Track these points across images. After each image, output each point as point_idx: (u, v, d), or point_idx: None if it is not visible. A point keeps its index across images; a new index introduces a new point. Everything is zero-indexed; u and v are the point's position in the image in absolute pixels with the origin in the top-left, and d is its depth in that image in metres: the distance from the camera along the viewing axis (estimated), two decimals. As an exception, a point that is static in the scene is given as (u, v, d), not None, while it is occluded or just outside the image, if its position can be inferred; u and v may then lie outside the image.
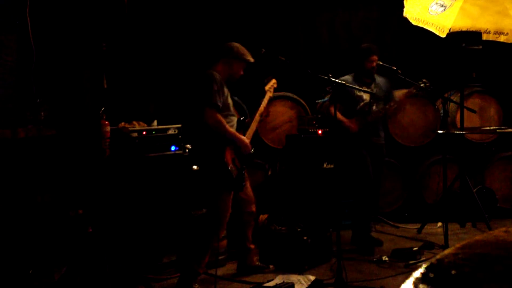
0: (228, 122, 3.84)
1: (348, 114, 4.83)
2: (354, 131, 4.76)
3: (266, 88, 4.28)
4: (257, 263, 4.33)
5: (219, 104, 3.77)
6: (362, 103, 4.83)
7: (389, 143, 5.37)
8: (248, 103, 5.63)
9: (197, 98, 3.82)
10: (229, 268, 4.49)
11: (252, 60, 4.04)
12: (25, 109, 4.15)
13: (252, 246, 4.31)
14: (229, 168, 3.80)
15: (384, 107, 4.84)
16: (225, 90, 3.90)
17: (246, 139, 3.94)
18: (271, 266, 4.33)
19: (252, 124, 4.13)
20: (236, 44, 4.05)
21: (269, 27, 6.34)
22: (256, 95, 5.82)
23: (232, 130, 3.86)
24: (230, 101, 3.97)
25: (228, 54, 3.99)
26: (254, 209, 4.25)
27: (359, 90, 4.68)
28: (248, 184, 4.19)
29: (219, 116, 3.75)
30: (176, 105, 5.29)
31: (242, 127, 4.05)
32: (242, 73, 4.06)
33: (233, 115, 3.99)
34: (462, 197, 5.45)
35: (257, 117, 4.16)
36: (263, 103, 4.21)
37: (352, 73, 4.88)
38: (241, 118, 4.10)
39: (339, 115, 4.69)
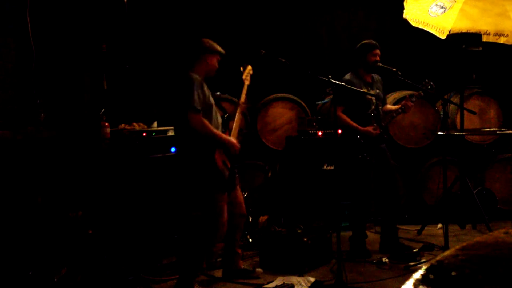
0: (213, 123, 3.78)
1: (357, 117, 4.61)
2: (376, 135, 4.57)
3: (243, 77, 4.16)
4: (242, 266, 4.23)
5: (199, 107, 3.68)
6: (373, 106, 4.65)
7: (389, 144, 5.36)
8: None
9: (179, 103, 3.74)
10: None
11: (223, 51, 3.99)
12: (25, 110, 4.15)
13: (239, 251, 4.23)
14: (220, 169, 3.75)
15: (396, 111, 4.70)
16: (206, 90, 3.82)
17: (232, 139, 3.88)
18: (258, 270, 4.22)
19: (235, 119, 4.02)
20: (205, 39, 4.00)
21: (269, 28, 6.35)
22: (256, 97, 5.84)
23: (218, 131, 3.79)
24: (212, 100, 3.87)
25: (201, 51, 3.92)
26: (245, 211, 4.18)
27: (367, 92, 4.56)
28: (238, 187, 4.11)
29: (203, 119, 3.67)
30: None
31: (227, 125, 3.99)
32: (217, 66, 3.99)
33: (217, 115, 3.92)
34: (462, 199, 5.44)
35: (238, 112, 4.06)
36: (242, 94, 4.12)
37: (350, 72, 4.70)
38: (225, 116, 4.01)
39: (351, 122, 4.55)
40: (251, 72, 4.22)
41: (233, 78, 4.33)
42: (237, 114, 4.07)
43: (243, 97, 4.13)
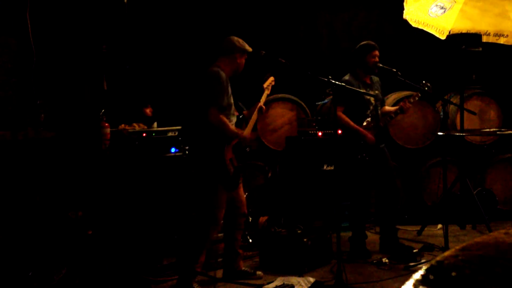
0: (229, 122, 3.88)
1: (357, 117, 4.61)
2: (372, 142, 4.57)
3: (265, 85, 4.28)
4: (243, 268, 4.24)
5: (224, 104, 3.81)
6: (371, 107, 4.66)
7: (389, 145, 5.36)
8: (247, 105, 5.63)
9: (202, 96, 3.84)
10: (229, 270, 4.47)
11: (250, 49, 4.11)
12: (25, 110, 4.15)
13: (241, 251, 4.24)
14: (227, 166, 3.83)
15: (394, 112, 4.67)
16: (229, 89, 3.94)
17: (246, 133, 4.01)
18: (258, 273, 4.22)
19: (249, 122, 4.12)
20: (235, 38, 4.10)
21: (269, 28, 6.35)
22: (256, 97, 5.83)
23: (233, 128, 3.92)
24: (231, 100, 3.99)
25: (233, 49, 4.02)
26: (246, 211, 4.22)
27: (366, 93, 4.56)
28: (241, 186, 4.15)
29: (222, 116, 3.80)
30: (176, 107, 5.30)
31: (240, 126, 4.08)
32: (244, 64, 4.11)
33: (233, 115, 4.02)
34: (462, 199, 5.44)
35: (254, 115, 4.15)
36: (261, 100, 4.21)
37: (349, 73, 4.71)
38: (240, 117, 4.12)
39: (351, 123, 4.56)
40: (273, 83, 4.36)
41: (240, 82, 4.37)
42: (254, 113, 4.16)
43: (262, 101, 4.23)
